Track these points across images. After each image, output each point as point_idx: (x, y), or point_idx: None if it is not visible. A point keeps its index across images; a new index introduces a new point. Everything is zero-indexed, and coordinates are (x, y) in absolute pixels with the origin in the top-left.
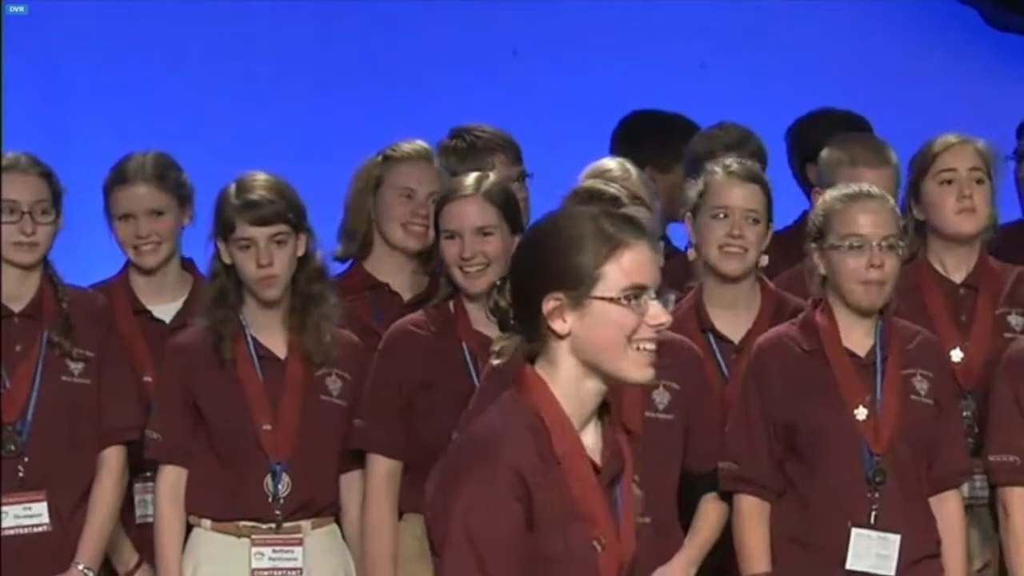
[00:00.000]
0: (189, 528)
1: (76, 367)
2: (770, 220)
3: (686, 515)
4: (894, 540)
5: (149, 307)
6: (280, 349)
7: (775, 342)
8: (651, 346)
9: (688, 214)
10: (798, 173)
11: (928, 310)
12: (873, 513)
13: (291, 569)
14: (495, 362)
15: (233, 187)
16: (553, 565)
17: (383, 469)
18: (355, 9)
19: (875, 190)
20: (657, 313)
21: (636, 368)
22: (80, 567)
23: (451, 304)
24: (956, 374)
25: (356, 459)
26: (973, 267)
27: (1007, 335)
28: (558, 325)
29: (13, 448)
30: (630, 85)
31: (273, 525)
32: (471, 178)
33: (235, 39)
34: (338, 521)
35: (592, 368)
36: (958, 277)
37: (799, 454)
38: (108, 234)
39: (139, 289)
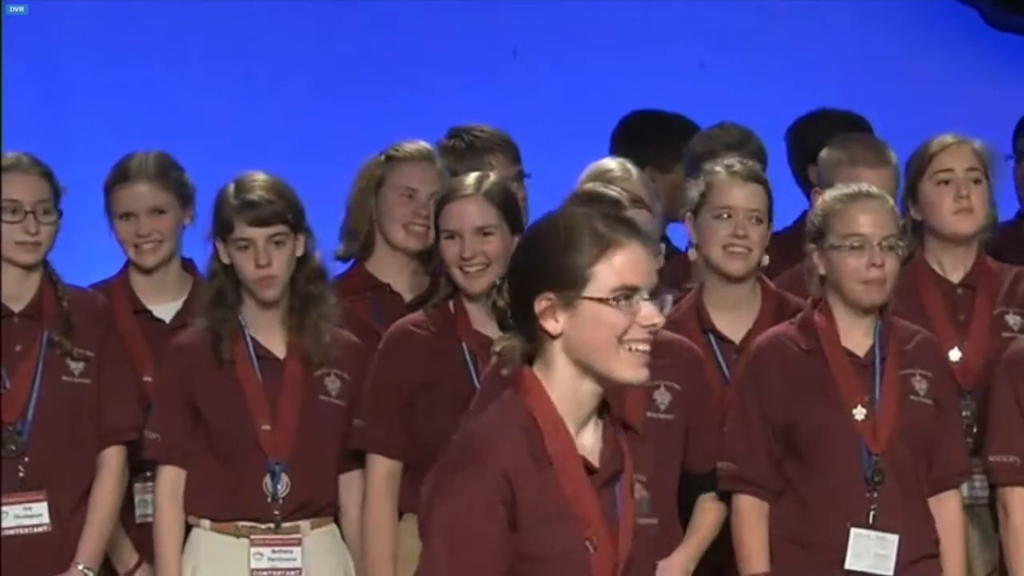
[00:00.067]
0: (188, 528)
1: (76, 367)
2: (771, 220)
3: (685, 515)
4: (892, 540)
5: (149, 307)
6: (279, 349)
7: (773, 342)
8: (644, 347)
9: (689, 214)
10: (798, 173)
11: (926, 310)
12: (872, 513)
13: (290, 569)
14: (495, 363)
15: (232, 187)
16: (543, 565)
17: (383, 469)
18: (355, 9)
19: (874, 190)
20: (649, 314)
21: (628, 368)
22: (80, 567)
23: (451, 304)
24: (954, 374)
25: (355, 459)
26: (971, 267)
27: (1005, 334)
28: (550, 325)
29: (13, 448)
30: (630, 85)
31: (272, 525)
32: (471, 178)
33: (235, 39)
34: (337, 521)
35: (585, 368)
36: (956, 277)
37: (798, 454)
38: (108, 234)
39: (139, 289)
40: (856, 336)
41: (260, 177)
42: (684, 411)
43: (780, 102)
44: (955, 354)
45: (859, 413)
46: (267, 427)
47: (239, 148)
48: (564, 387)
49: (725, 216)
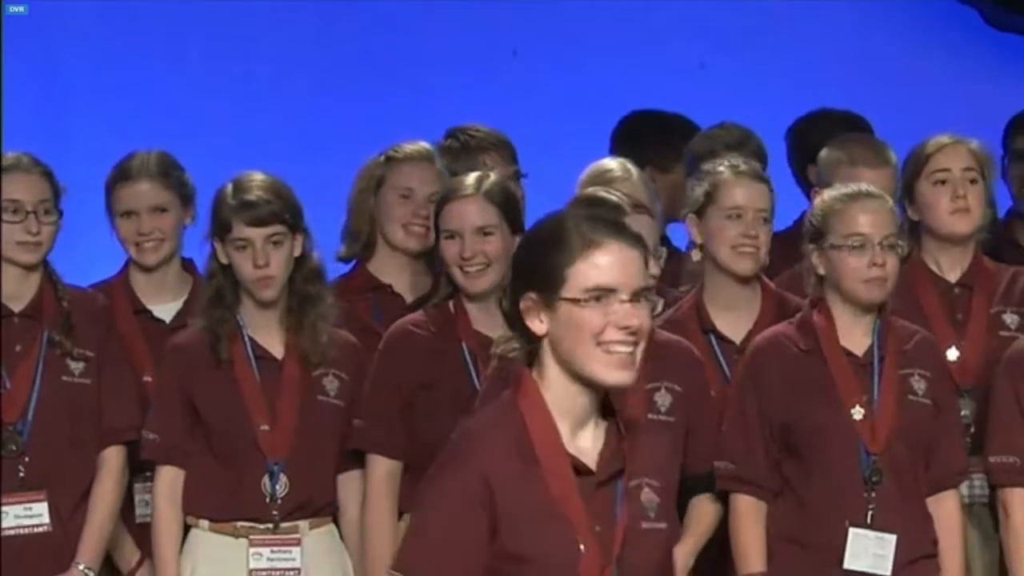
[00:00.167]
0: (187, 528)
1: (76, 367)
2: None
3: (681, 515)
4: (890, 540)
5: (149, 307)
6: (277, 349)
7: (772, 342)
8: (623, 348)
9: (692, 215)
10: (798, 173)
11: (924, 310)
12: (870, 513)
13: (289, 569)
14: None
15: (230, 187)
16: (530, 565)
17: (383, 469)
18: (355, 9)
19: (874, 189)
20: (624, 316)
21: (606, 370)
22: (80, 567)
23: (451, 304)
24: (952, 373)
25: (354, 459)
26: (968, 266)
27: (1002, 333)
28: (535, 326)
29: (14, 448)
30: (630, 85)
31: (271, 525)
32: (471, 178)
33: (235, 39)
34: (336, 521)
35: (569, 369)
36: (953, 276)
37: (796, 454)
38: (108, 234)
39: (139, 289)
40: (855, 336)
41: (258, 177)
42: (684, 413)
43: (780, 102)
44: (953, 353)
45: (857, 413)
46: (265, 427)
47: (239, 148)
48: (556, 387)
49: (735, 216)
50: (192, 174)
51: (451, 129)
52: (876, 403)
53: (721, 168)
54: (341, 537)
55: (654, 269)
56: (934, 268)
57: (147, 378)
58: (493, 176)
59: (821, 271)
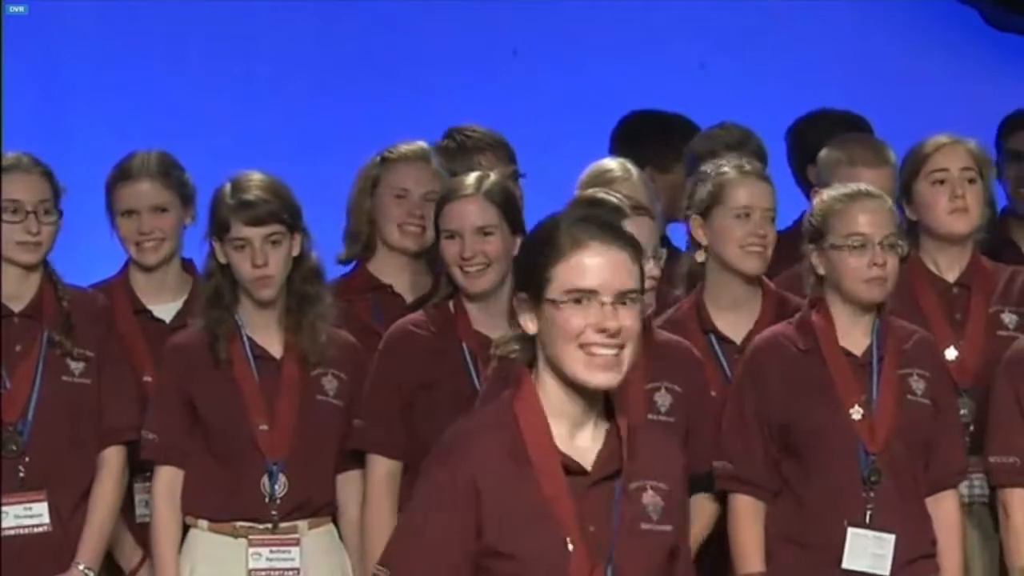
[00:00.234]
0: (186, 528)
1: (76, 367)
2: None
3: None
4: (889, 540)
5: (149, 307)
6: (276, 349)
7: (771, 341)
8: (604, 351)
9: (696, 216)
10: (798, 173)
11: (922, 310)
12: (869, 512)
13: (288, 569)
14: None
15: (228, 187)
16: (518, 563)
17: (383, 469)
18: (355, 9)
19: (873, 189)
20: (602, 318)
21: (587, 371)
22: (80, 567)
23: (451, 304)
24: (951, 372)
25: (353, 459)
26: (966, 266)
27: (1001, 333)
28: (527, 325)
29: (14, 448)
30: (630, 85)
31: (270, 525)
32: (472, 178)
33: (235, 39)
34: (335, 521)
35: (557, 370)
36: (951, 276)
37: (795, 453)
38: (108, 234)
39: (139, 289)
40: (854, 336)
41: (256, 177)
42: (684, 413)
43: (780, 102)
44: (951, 353)
45: (856, 413)
46: (264, 427)
47: (239, 148)
48: (550, 388)
49: (744, 216)
50: (192, 174)
51: (449, 129)
52: (875, 403)
53: (726, 168)
54: (340, 537)
55: (654, 270)
56: (932, 268)
57: (147, 378)
58: (493, 176)
59: (821, 271)
